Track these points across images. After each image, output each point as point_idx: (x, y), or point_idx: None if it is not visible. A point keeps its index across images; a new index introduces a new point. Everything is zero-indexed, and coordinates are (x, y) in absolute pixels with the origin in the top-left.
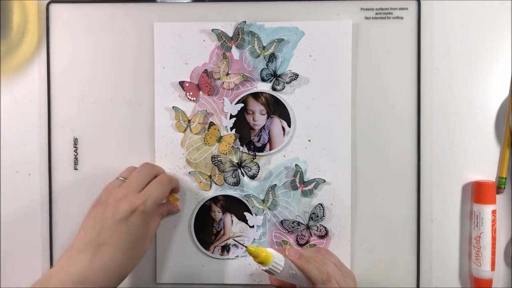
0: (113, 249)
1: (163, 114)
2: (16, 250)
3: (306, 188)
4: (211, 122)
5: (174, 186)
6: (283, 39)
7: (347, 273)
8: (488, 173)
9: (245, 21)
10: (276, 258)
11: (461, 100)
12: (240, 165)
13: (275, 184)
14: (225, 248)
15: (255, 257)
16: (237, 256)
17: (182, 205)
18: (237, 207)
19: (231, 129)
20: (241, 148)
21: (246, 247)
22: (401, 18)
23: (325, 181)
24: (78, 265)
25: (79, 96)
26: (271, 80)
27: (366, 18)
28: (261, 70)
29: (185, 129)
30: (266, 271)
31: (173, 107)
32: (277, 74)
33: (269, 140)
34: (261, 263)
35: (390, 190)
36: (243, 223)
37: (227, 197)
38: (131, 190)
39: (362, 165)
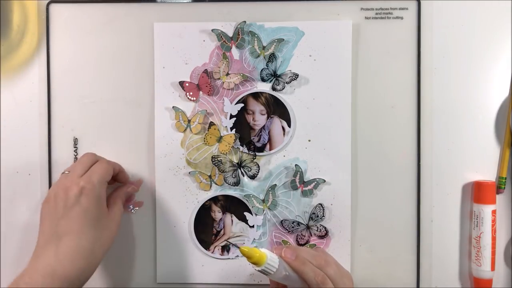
0: (74, 236)
1: (163, 114)
2: (16, 250)
3: (306, 188)
4: (211, 122)
5: (117, 168)
6: (283, 39)
7: (345, 274)
8: (488, 173)
9: (245, 21)
10: (270, 260)
11: (461, 100)
12: (240, 165)
13: (275, 184)
14: (225, 248)
15: (248, 257)
16: (237, 256)
17: (183, 205)
18: (237, 207)
19: (231, 129)
20: (241, 148)
21: (239, 248)
22: (401, 18)
23: (325, 181)
24: (45, 260)
25: (79, 96)
26: (271, 80)
27: (366, 18)
28: (261, 70)
29: (185, 129)
30: (260, 271)
31: (173, 107)
32: (277, 74)
33: (269, 140)
34: (255, 263)
35: (390, 190)
36: (243, 223)
37: (227, 197)
38: (74, 177)
39: (362, 165)
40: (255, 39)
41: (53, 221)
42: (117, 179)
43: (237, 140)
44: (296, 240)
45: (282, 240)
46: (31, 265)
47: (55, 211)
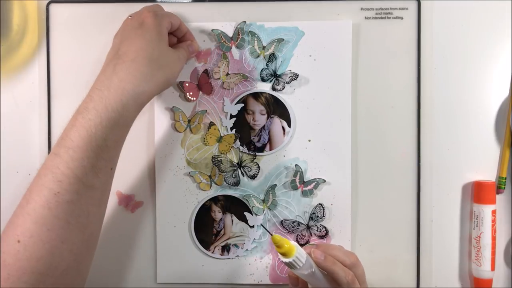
0: (132, 53)
1: (163, 114)
2: None
3: (306, 188)
4: (211, 122)
5: (178, 20)
6: (283, 39)
7: (364, 274)
8: (488, 173)
9: (245, 21)
10: (298, 253)
11: (461, 100)
12: (240, 165)
13: (275, 184)
14: (225, 248)
15: (278, 247)
16: (237, 256)
17: (183, 205)
18: (237, 207)
19: (231, 129)
20: (241, 148)
21: (272, 235)
22: (401, 18)
23: (325, 181)
24: (103, 76)
25: (79, 96)
26: (271, 80)
27: (366, 18)
28: (261, 70)
29: (185, 129)
30: (286, 263)
31: (173, 107)
32: (277, 74)
33: (269, 140)
34: (284, 254)
35: (390, 190)
36: (243, 223)
37: (227, 197)
38: (138, 13)
39: (362, 165)
40: (255, 39)
41: (116, 46)
42: (178, 31)
43: (237, 140)
44: (296, 240)
45: None
46: (92, 86)
47: (119, 37)
